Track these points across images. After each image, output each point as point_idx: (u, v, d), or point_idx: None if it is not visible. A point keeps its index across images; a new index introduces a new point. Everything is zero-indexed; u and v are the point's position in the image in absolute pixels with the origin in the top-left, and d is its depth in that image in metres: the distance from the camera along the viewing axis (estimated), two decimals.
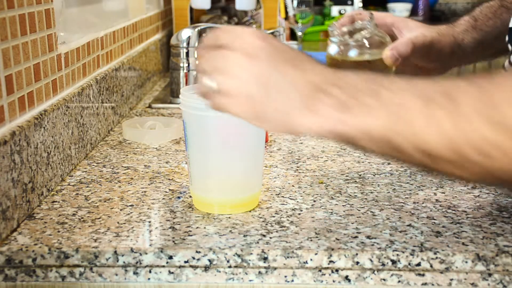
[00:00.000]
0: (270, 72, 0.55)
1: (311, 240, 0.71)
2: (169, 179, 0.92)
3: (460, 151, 0.51)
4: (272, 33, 1.57)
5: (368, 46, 0.80)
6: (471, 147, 0.50)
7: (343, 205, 0.82)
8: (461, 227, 0.75)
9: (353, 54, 0.83)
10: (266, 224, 0.75)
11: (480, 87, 0.51)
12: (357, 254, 0.68)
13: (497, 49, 0.84)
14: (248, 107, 0.57)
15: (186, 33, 1.39)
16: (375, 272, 0.69)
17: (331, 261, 0.68)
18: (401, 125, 0.52)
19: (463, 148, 0.50)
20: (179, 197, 0.84)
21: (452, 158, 0.51)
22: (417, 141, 0.52)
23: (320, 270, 0.69)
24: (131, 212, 0.79)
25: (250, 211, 0.79)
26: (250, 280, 0.69)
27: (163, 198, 0.84)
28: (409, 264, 0.68)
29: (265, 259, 0.68)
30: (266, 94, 0.55)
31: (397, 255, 0.68)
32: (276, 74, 0.55)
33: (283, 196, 0.85)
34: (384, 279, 0.69)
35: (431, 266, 0.68)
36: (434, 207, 0.81)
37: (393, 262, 0.68)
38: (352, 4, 2.89)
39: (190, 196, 0.84)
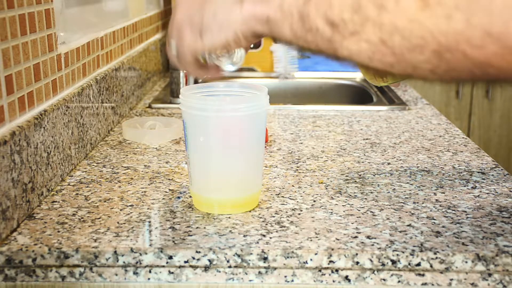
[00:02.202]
0: None
1: (311, 240, 0.71)
2: (169, 179, 0.92)
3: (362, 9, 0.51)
4: None
5: None
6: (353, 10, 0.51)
7: (343, 205, 0.82)
8: (461, 227, 0.75)
9: None
10: (266, 224, 0.75)
11: None
12: (357, 254, 0.68)
13: None
14: (189, 23, 0.65)
15: None
16: (375, 272, 0.69)
17: (331, 261, 0.68)
18: (323, 14, 0.53)
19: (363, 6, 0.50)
20: (179, 197, 0.84)
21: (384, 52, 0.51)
22: (326, 8, 0.53)
23: (320, 270, 0.69)
24: (131, 212, 0.79)
25: (250, 211, 0.79)
26: (250, 280, 0.69)
27: (163, 198, 0.84)
28: (409, 264, 0.68)
29: (265, 259, 0.68)
30: (202, 3, 0.64)
31: (397, 255, 0.68)
32: None
33: (283, 196, 0.85)
34: (384, 279, 0.69)
35: (431, 266, 0.68)
36: (434, 207, 0.81)
37: (393, 262, 0.68)
38: None
39: (190, 196, 0.84)
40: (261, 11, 0.59)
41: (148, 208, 0.80)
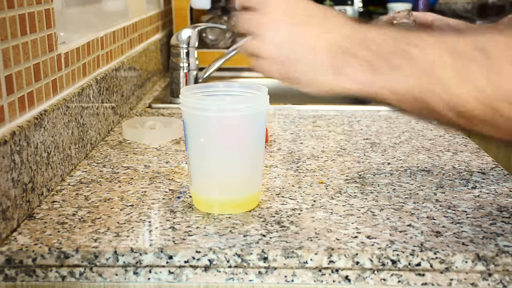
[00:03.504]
0: (297, 36, 0.57)
1: (311, 240, 0.71)
2: (169, 179, 0.92)
3: (496, 107, 0.47)
4: None
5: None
6: (506, 101, 0.47)
7: (343, 205, 0.82)
8: (461, 227, 0.75)
9: None
10: (266, 224, 0.75)
11: (509, 35, 0.48)
12: (357, 254, 0.68)
13: None
14: (278, 69, 0.60)
15: (186, 33, 1.39)
16: (375, 272, 0.69)
17: (331, 261, 0.68)
18: (433, 83, 0.49)
19: (498, 104, 0.47)
20: (179, 197, 0.84)
21: (488, 116, 0.49)
22: (451, 99, 0.49)
23: (320, 270, 0.69)
24: (131, 212, 0.79)
25: (250, 211, 0.79)
26: (250, 280, 0.69)
27: (163, 198, 0.84)
28: (409, 264, 0.68)
29: (265, 259, 0.68)
30: (293, 56, 0.58)
31: (397, 255, 0.68)
32: (303, 38, 0.57)
33: (283, 196, 0.85)
34: (384, 279, 0.69)
35: (431, 266, 0.68)
36: (434, 207, 0.81)
37: (393, 262, 0.68)
38: (352, 4, 2.89)
39: (190, 196, 0.84)
40: (375, 88, 0.54)
41: (148, 208, 0.80)
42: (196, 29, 1.40)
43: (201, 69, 1.44)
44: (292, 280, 0.69)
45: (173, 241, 0.70)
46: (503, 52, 0.47)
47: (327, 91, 0.59)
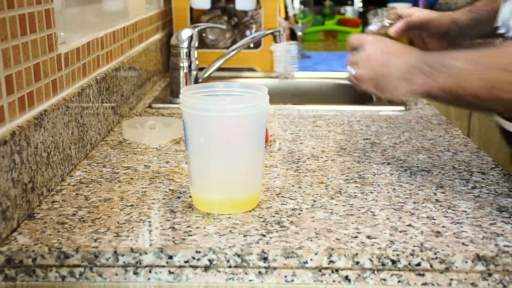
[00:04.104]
0: (385, 61, 0.89)
1: (311, 240, 0.71)
2: (169, 179, 0.92)
3: (493, 91, 0.76)
4: (272, 33, 1.57)
5: (388, 25, 1.20)
6: (498, 88, 0.76)
7: (343, 205, 0.82)
8: (461, 227, 0.75)
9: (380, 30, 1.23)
10: (266, 224, 0.75)
11: (498, 50, 0.81)
12: (357, 254, 0.68)
13: (493, 28, 1.01)
14: (371, 85, 0.91)
15: (186, 33, 1.39)
16: (375, 272, 0.69)
17: (331, 261, 0.68)
18: (462, 82, 0.79)
19: (494, 90, 0.76)
20: (179, 197, 0.84)
21: (490, 97, 0.77)
22: (470, 89, 0.78)
23: (320, 270, 0.69)
24: (131, 212, 0.79)
25: (250, 211, 0.79)
26: (250, 280, 0.69)
27: (163, 198, 0.84)
28: (409, 264, 0.68)
29: (265, 259, 0.68)
30: (382, 77, 0.89)
31: (397, 255, 0.68)
32: (389, 62, 0.89)
33: (283, 196, 0.85)
34: (384, 279, 0.69)
35: (431, 266, 0.68)
36: (434, 207, 0.81)
37: (393, 262, 0.68)
38: (352, 4, 2.89)
39: (190, 196, 0.84)
40: (426, 87, 0.83)
41: (148, 208, 0.80)
42: (196, 29, 1.40)
43: (201, 69, 1.44)
44: (292, 280, 0.69)
45: (173, 241, 0.70)
46: (495, 61, 0.78)
47: (401, 94, 0.87)
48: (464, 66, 0.80)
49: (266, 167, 0.97)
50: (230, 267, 0.69)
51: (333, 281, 0.69)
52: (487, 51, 0.83)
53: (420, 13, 1.16)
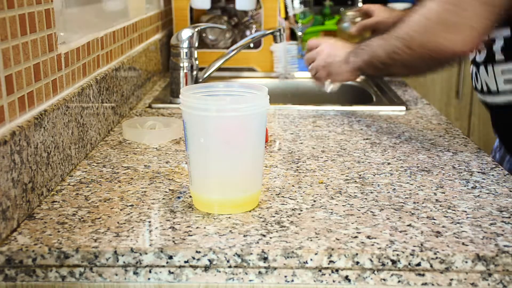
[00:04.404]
0: (330, 54, 1.26)
1: (311, 240, 0.71)
2: (169, 179, 0.92)
3: (393, 56, 1.06)
4: (272, 33, 1.57)
5: (351, 26, 1.61)
6: (396, 53, 1.06)
7: (343, 205, 0.82)
8: (461, 227, 0.75)
9: (347, 29, 1.70)
10: (266, 224, 0.75)
11: (402, 22, 1.05)
12: (357, 254, 0.68)
13: None
14: (324, 72, 1.27)
15: (186, 33, 1.39)
16: (375, 272, 0.69)
17: (331, 261, 0.68)
18: (374, 53, 1.12)
19: (394, 55, 1.06)
20: (179, 197, 0.84)
21: (392, 62, 1.07)
22: (380, 58, 1.10)
23: (320, 270, 0.69)
24: (131, 212, 0.79)
25: (250, 211, 0.79)
26: (250, 280, 0.69)
27: (163, 198, 0.84)
28: (409, 264, 0.68)
29: (265, 259, 0.68)
30: (330, 64, 1.25)
31: (397, 255, 0.68)
32: (335, 53, 1.25)
33: (283, 196, 0.85)
34: (384, 279, 0.69)
35: (431, 266, 0.68)
36: (434, 207, 0.81)
37: (393, 262, 0.68)
38: (352, 4, 2.89)
39: (190, 196, 0.84)
40: (356, 64, 1.19)
41: (148, 208, 0.80)
42: (196, 29, 1.40)
43: (201, 69, 1.44)
44: (292, 280, 0.69)
45: (173, 241, 0.70)
46: (394, 36, 1.07)
47: (345, 74, 1.24)
48: (375, 42, 1.11)
49: (266, 167, 0.97)
50: (230, 267, 0.69)
51: (333, 281, 0.69)
52: (396, 25, 1.07)
53: (381, 14, 1.54)
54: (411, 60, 1.03)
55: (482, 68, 1.14)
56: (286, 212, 0.79)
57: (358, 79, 1.41)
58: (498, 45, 1.09)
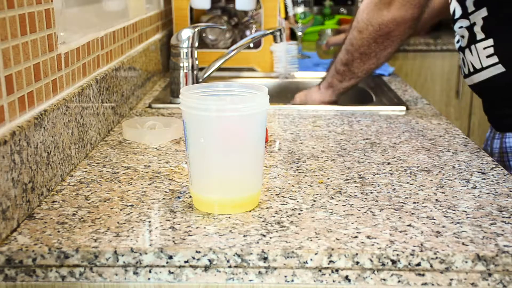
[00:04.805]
0: (308, 94, 1.46)
1: (311, 240, 0.71)
2: (169, 179, 0.92)
3: (347, 49, 1.32)
4: (272, 33, 1.57)
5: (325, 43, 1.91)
6: (350, 45, 1.31)
7: (343, 205, 0.82)
8: (461, 227, 0.75)
9: (321, 45, 1.98)
10: (266, 224, 0.75)
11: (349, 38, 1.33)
12: (357, 254, 0.68)
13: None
14: (301, 101, 1.46)
15: (186, 33, 1.39)
16: (375, 272, 0.69)
17: (331, 261, 0.68)
18: (337, 62, 1.36)
19: (348, 48, 1.32)
20: (179, 197, 0.84)
21: (350, 57, 1.31)
22: (341, 61, 1.35)
23: (320, 270, 0.69)
24: (131, 212, 0.79)
25: (250, 211, 0.79)
26: (250, 280, 0.69)
27: (163, 198, 0.84)
28: (409, 264, 0.68)
29: (265, 259, 0.68)
30: (306, 97, 1.46)
31: (397, 255, 0.68)
32: (310, 94, 1.46)
33: (283, 196, 0.85)
34: (384, 279, 0.69)
35: (431, 266, 0.68)
36: (434, 207, 0.81)
37: (393, 262, 0.68)
38: (352, 4, 2.89)
39: (190, 196, 0.84)
40: (328, 97, 1.43)
41: (148, 208, 0.80)
42: (196, 29, 1.40)
43: (201, 69, 1.44)
44: (292, 280, 0.69)
45: (173, 241, 0.70)
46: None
47: (319, 102, 1.44)
48: (337, 54, 1.36)
49: (266, 167, 0.97)
50: (230, 267, 0.69)
51: (333, 281, 0.69)
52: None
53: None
54: (367, 45, 1.27)
55: (467, 51, 1.22)
56: (286, 212, 0.79)
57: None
58: (478, 26, 1.18)
